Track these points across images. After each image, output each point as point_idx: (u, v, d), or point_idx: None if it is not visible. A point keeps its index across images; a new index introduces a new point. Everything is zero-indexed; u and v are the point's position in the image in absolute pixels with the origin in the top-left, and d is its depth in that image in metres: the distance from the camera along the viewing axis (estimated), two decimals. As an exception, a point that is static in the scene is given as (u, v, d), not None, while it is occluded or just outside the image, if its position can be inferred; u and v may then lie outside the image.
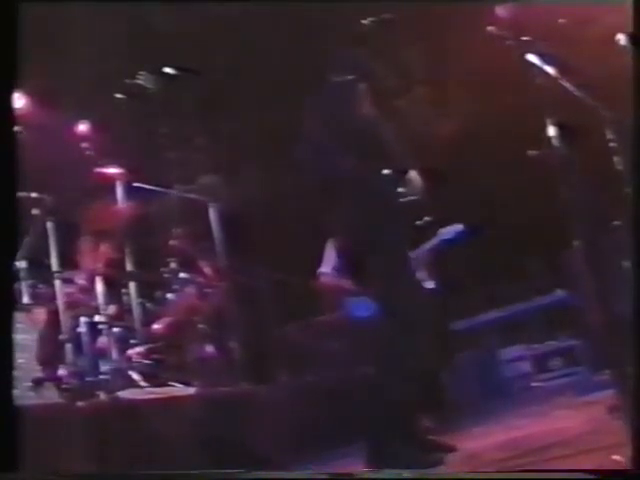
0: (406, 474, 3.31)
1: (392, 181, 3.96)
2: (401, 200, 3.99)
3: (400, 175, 3.98)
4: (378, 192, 3.94)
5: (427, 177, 4.12)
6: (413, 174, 4.05)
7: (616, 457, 2.42)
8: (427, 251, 6.34)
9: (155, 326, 6.44)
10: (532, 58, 3.20)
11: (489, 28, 3.30)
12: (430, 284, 6.27)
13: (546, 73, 3.24)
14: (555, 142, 3.08)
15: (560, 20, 5.60)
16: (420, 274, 6.17)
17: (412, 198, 4.03)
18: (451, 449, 3.97)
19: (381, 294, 4.03)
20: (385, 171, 3.93)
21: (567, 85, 3.43)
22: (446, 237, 6.44)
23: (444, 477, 3.15)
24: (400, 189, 3.98)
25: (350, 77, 4.05)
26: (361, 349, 6.66)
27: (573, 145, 3.14)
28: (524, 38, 3.22)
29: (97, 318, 5.89)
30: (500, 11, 3.31)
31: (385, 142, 3.96)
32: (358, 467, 3.88)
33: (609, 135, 3.72)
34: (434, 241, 6.41)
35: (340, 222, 4.06)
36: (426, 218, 5.46)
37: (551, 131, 3.08)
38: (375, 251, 3.92)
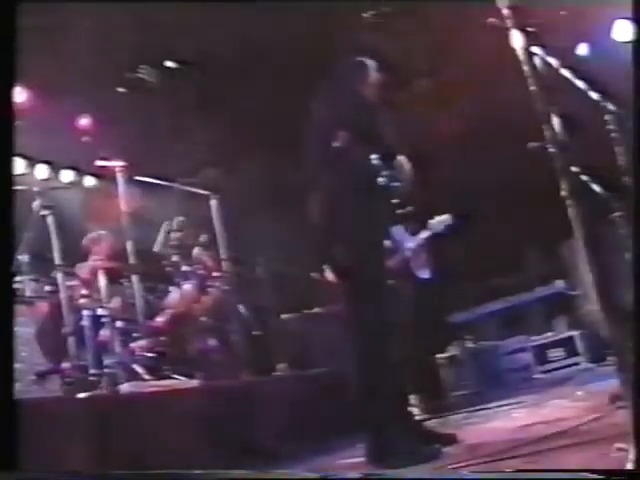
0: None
1: (379, 165, 3.92)
2: (386, 185, 3.92)
3: (388, 160, 3.92)
4: (363, 175, 3.91)
5: (416, 164, 4.05)
6: (402, 159, 3.99)
7: (620, 445, 2.43)
8: (418, 244, 6.34)
9: (158, 319, 6.46)
10: (533, 49, 3.20)
11: (490, 19, 3.30)
12: (425, 274, 6.27)
13: (547, 64, 3.24)
14: (555, 133, 3.08)
15: (562, 12, 5.61)
16: (414, 265, 6.18)
17: (397, 184, 3.97)
18: (451, 440, 3.97)
19: (359, 282, 3.98)
20: (373, 155, 3.89)
21: (568, 76, 3.44)
22: (436, 230, 6.42)
23: (440, 477, 3.14)
24: (386, 174, 3.92)
25: (359, 59, 4.03)
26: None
27: (573, 136, 3.14)
28: (525, 29, 3.22)
29: (100, 311, 5.92)
30: (501, 2, 3.30)
31: (379, 126, 3.91)
32: (359, 459, 3.90)
33: (610, 126, 3.72)
34: (424, 234, 6.40)
35: (321, 204, 3.99)
36: (409, 208, 5.37)
37: (552, 122, 3.09)
38: (352, 237, 3.88)
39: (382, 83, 4.09)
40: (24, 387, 4.83)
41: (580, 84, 3.53)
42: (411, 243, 6.21)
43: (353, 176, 3.87)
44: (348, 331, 4.00)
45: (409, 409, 4.12)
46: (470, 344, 8.73)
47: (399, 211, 4.11)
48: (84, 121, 6.85)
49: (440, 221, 6.46)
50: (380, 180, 3.90)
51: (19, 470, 2.76)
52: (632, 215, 2.79)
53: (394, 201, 4.00)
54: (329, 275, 4.08)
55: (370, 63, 4.09)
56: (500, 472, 2.85)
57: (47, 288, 5.82)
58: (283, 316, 7.85)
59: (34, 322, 5.32)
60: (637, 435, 2.31)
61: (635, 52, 2.91)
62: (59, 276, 5.63)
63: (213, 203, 6.98)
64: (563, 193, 2.92)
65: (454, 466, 3.29)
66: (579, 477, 2.28)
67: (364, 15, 4.03)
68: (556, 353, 8.20)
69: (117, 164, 6.40)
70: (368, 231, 3.88)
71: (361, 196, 3.87)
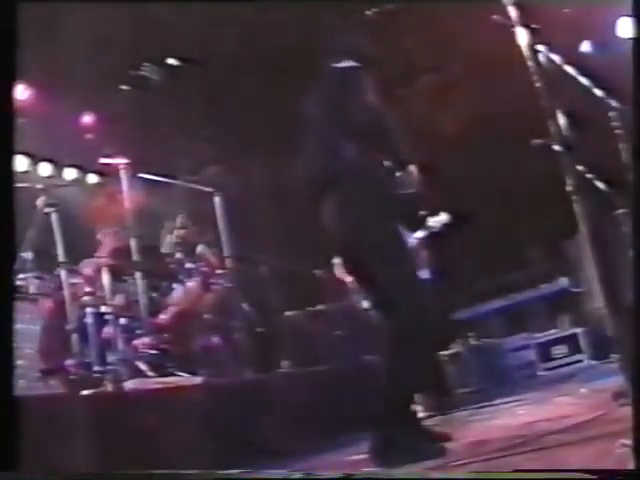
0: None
1: (392, 172, 3.89)
2: (399, 192, 3.91)
3: (400, 166, 3.89)
4: (378, 182, 3.87)
5: (424, 171, 4.03)
6: (412, 167, 3.96)
7: (624, 441, 2.43)
8: (417, 242, 6.33)
9: (161, 316, 6.46)
10: (537, 46, 3.20)
11: (495, 17, 3.30)
12: (424, 274, 6.27)
13: (551, 61, 3.24)
14: (560, 130, 3.08)
15: (565, 10, 5.60)
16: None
17: (410, 191, 3.96)
18: (447, 438, 3.93)
19: (379, 285, 3.95)
20: (386, 162, 3.86)
21: (572, 73, 3.44)
22: (434, 229, 6.42)
23: (439, 477, 3.13)
24: (398, 180, 3.90)
25: (350, 62, 3.95)
26: (365, 338, 6.69)
27: (578, 133, 3.14)
28: (529, 27, 3.21)
29: (103, 309, 5.92)
30: (506, 0, 3.30)
31: (387, 132, 3.86)
32: (362, 456, 3.89)
33: (614, 122, 3.72)
34: (421, 233, 6.40)
35: (337, 211, 3.93)
36: (422, 212, 5.32)
37: (556, 119, 3.08)
38: (373, 242, 3.86)
39: (385, 84, 4.02)
40: (28, 384, 4.85)
41: (584, 81, 3.53)
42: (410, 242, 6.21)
43: (367, 188, 3.84)
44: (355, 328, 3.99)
45: (414, 406, 4.10)
46: (474, 341, 8.73)
47: (412, 216, 4.07)
48: (87, 119, 6.86)
49: (438, 220, 6.46)
50: (394, 188, 3.88)
51: (19, 470, 2.75)
52: (633, 211, 2.78)
53: (407, 206, 3.98)
54: (339, 272, 4.06)
55: (366, 62, 4.00)
56: (497, 472, 2.85)
57: (50, 285, 5.82)
58: (287, 313, 7.86)
59: (41, 319, 5.32)
60: (637, 433, 2.31)
61: (635, 49, 2.90)
62: (63, 273, 5.64)
63: (217, 200, 6.98)
64: (568, 189, 2.92)
65: (456, 463, 3.29)
66: (578, 477, 2.28)
67: (367, 12, 3.98)
68: (560, 350, 8.20)
69: (120, 161, 6.41)
70: (390, 239, 3.86)
71: (378, 207, 3.84)
